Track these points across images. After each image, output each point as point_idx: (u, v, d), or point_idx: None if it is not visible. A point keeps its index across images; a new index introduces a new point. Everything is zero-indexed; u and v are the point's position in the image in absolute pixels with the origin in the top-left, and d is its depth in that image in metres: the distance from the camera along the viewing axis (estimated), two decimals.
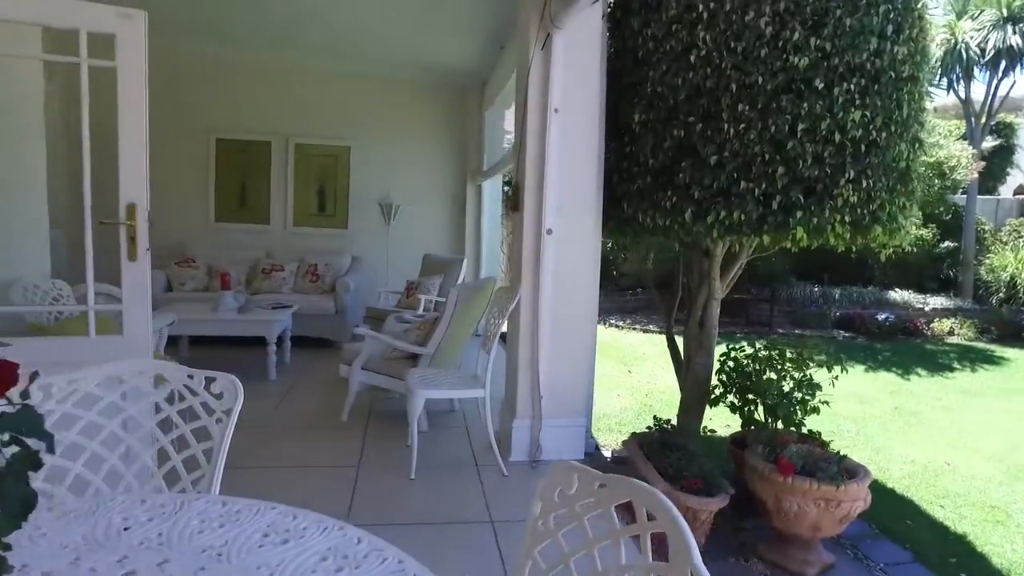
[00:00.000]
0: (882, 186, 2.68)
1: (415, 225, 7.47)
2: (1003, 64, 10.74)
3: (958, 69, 10.97)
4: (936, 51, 10.72)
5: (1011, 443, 4.86)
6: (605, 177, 3.44)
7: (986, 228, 11.38)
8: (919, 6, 2.78)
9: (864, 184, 2.64)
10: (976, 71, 11.12)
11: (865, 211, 2.66)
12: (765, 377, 3.22)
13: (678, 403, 3.61)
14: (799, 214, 2.64)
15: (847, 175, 2.62)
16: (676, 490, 2.62)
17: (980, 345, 8.82)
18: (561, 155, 3.38)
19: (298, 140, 7.11)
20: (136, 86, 2.42)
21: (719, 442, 3.68)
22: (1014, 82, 11.23)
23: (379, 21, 5.65)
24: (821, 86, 2.61)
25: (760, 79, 2.67)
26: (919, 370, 7.25)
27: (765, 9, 2.66)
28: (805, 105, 2.61)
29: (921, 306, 9.89)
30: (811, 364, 3.23)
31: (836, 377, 3.29)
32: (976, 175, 10.56)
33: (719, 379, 3.45)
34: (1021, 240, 10.75)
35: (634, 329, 9.17)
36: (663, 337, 3.83)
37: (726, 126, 2.73)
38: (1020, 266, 9.90)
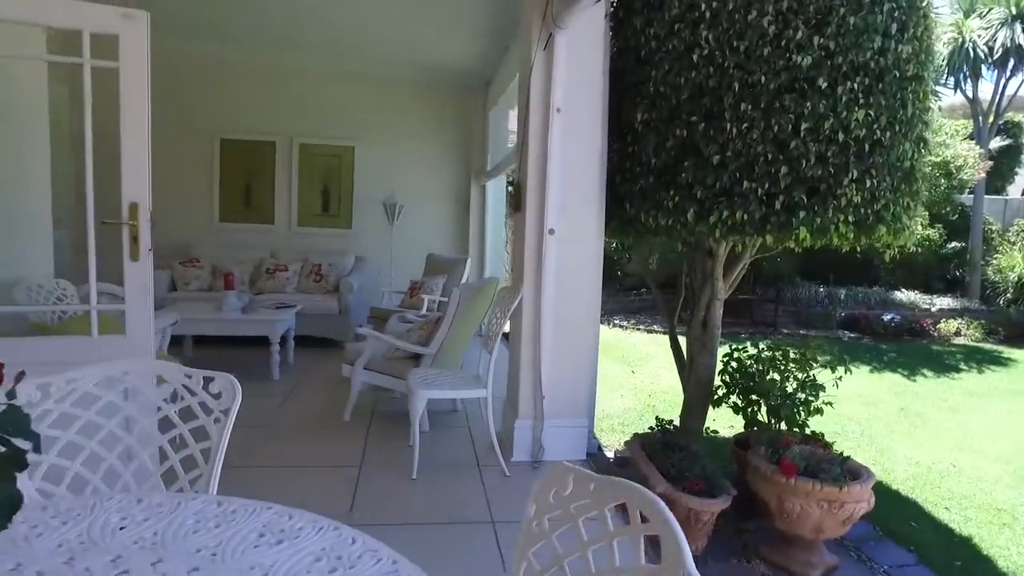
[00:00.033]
0: (886, 186, 2.66)
1: (419, 225, 7.48)
2: (1011, 63, 10.64)
3: (966, 68, 10.88)
4: (942, 50, 10.64)
5: (1018, 445, 4.82)
6: (607, 177, 3.43)
7: (994, 228, 11.30)
8: (924, 4, 2.75)
9: (868, 184, 2.62)
10: (984, 70, 11.04)
11: (869, 211, 2.64)
12: (768, 378, 3.20)
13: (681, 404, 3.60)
14: (802, 214, 2.62)
15: (851, 175, 2.60)
16: (678, 491, 2.60)
17: (987, 346, 8.76)
18: (563, 155, 3.38)
19: (302, 140, 7.13)
20: (138, 87, 2.43)
21: (722, 443, 3.67)
22: (1022, 81, 11.10)
23: (379, 21, 5.67)
24: (824, 85, 2.59)
25: (763, 78, 2.65)
26: (925, 371, 7.20)
27: (768, 8, 2.64)
28: (808, 104, 2.59)
29: (928, 307, 9.82)
30: (815, 365, 3.22)
31: (840, 378, 3.27)
32: (983, 175, 10.49)
33: (722, 380, 3.43)
34: None
35: (638, 329, 9.15)
36: (667, 337, 3.81)
37: (729, 125, 2.71)
38: None
